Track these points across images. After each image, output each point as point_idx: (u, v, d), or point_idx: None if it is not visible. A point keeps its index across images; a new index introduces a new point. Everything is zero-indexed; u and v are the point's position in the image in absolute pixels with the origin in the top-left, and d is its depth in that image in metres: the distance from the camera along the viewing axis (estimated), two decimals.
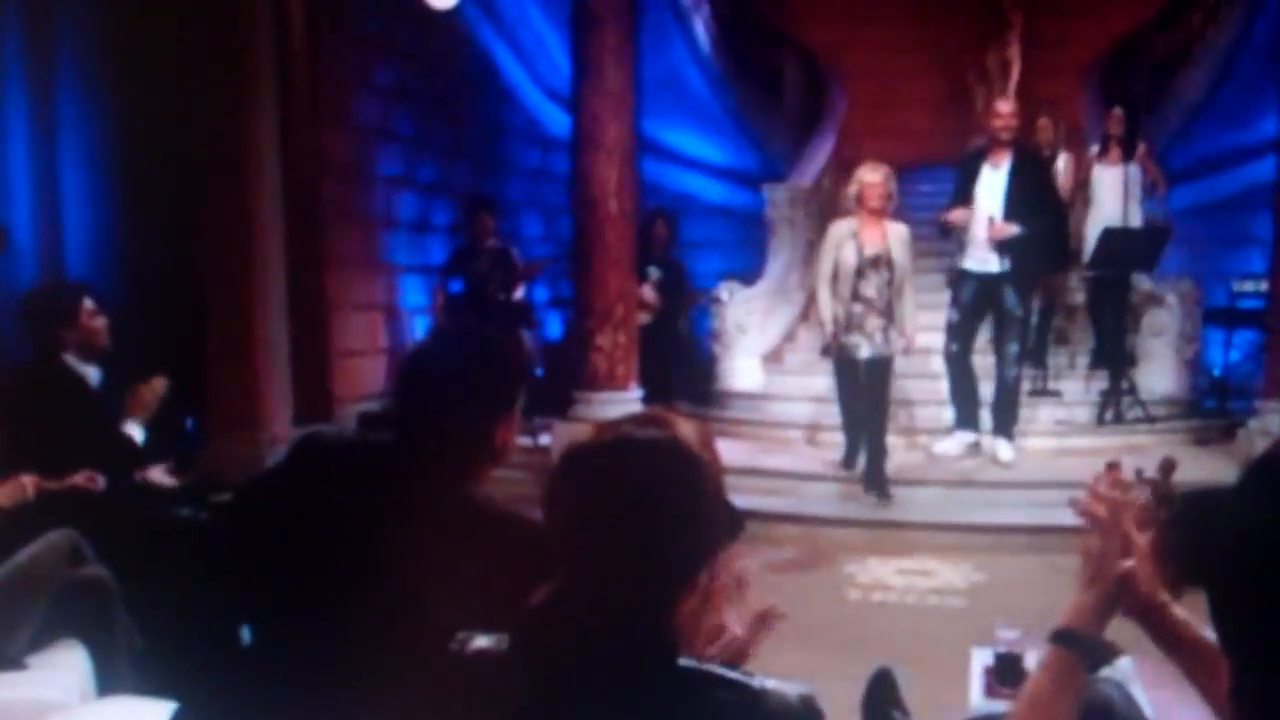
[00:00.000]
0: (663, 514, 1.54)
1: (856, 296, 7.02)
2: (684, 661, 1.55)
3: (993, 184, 7.34)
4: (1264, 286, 8.41)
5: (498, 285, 9.05)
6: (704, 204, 12.31)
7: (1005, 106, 7.62)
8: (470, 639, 1.75)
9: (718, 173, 12.40)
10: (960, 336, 7.59)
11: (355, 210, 9.14)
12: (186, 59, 7.52)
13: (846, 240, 7.06)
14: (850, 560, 6.35)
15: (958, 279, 7.64)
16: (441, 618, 1.80)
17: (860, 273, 7.01)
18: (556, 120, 11.92)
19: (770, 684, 1.59)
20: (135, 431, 4.76)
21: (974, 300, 7.55)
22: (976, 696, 3.04)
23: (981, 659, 3.23)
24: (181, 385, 7.42)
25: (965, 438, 7.76)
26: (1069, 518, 5.55)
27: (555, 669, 1.54)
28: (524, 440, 8.18)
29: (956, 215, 7.42)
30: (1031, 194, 7.28)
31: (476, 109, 11.11)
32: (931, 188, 12.23)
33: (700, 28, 11.41)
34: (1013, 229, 7.17)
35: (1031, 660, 3.09)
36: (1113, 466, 5.84)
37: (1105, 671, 2.23)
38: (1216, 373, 9.53)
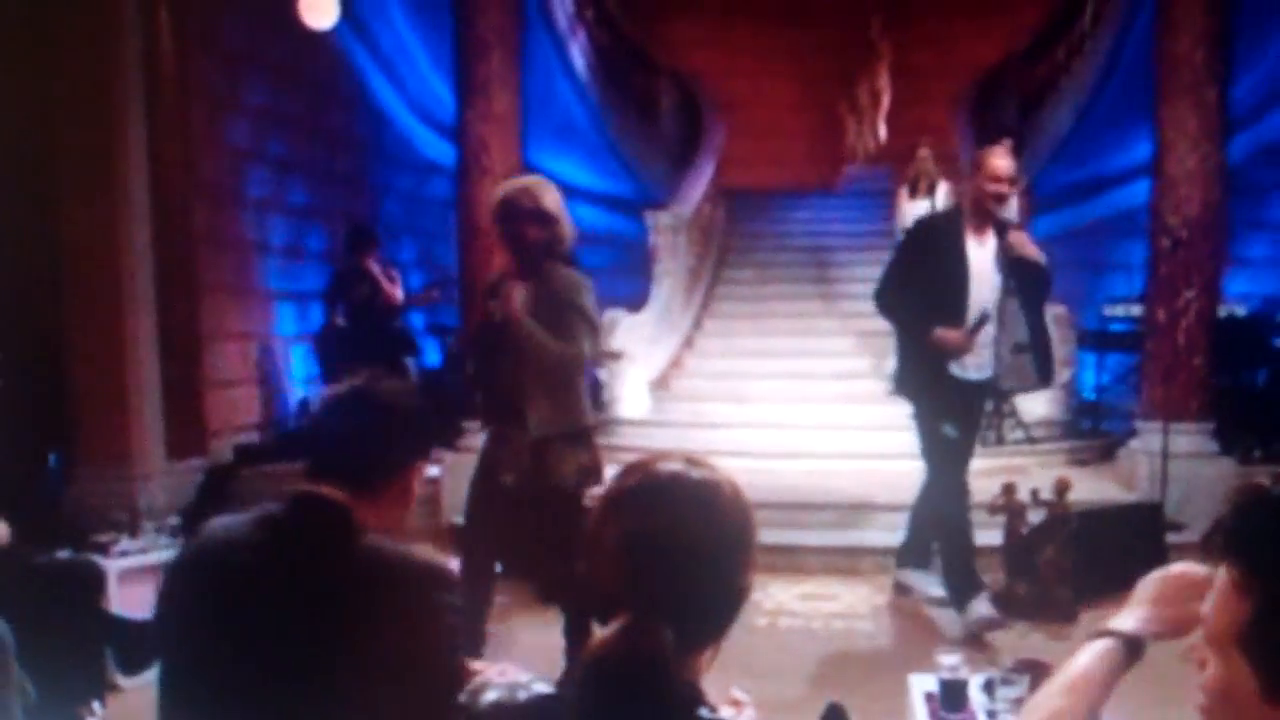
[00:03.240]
0: (715, 557, 1.52)
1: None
2: (704, 712, 1.50)
3: (982, 267, 5.42)
4: (1134, 310, 8.67)
5: (380, 310, 8.86)
6: (580, 230, 12.22)
7: (1004, 162, 5.52)
8: (482, 690, 1.68)
9: (594, 198, 12.36)
10: (964, 462, 5.59)
11: (226, 234, 8.86)
12: (49, 73, 7.22)
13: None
14: (758, 586, 6.31)
15: (945, 388, 5.41)
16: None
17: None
18: (430, 144, 11.77)
19: None
20: None
21: (971, 412, 5.67)
22: None
23: (921, 685, 3.22)
24: (43, 419, 7.12)
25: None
26: None
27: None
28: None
29: (955, 337, 5.26)
30: (1031, 283, 5.54)
31: (350, 131, 10.89)
32: (808, 214, 12.48)
33: (577, 54, 11.39)
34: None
35: (974, 685, 3.09)
36: (1009, 488, 5.90)
37: None
38: (1088, 395, 9.81)
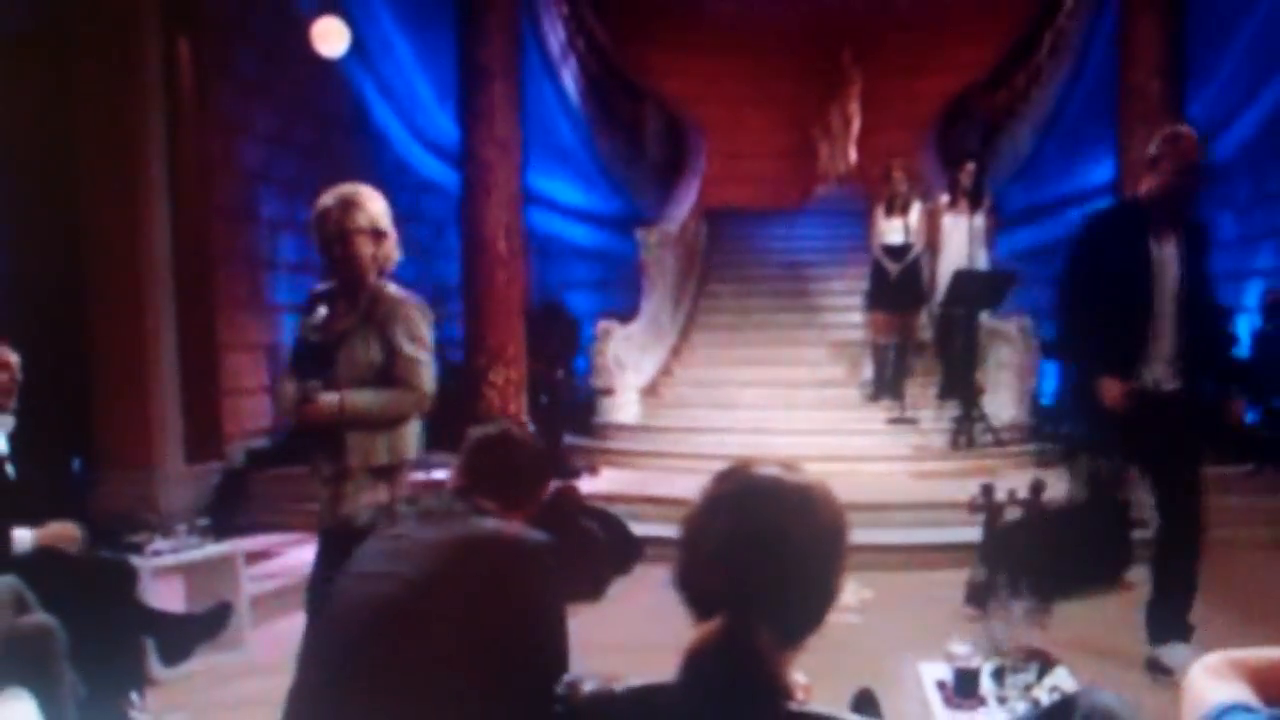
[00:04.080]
0: (811, 558, 1.51)
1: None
2: (792, 706, 1.52)
3: (1165, 269, 4.51)
4: None
5: None
6: (572, 246, 12.34)
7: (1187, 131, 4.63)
8: (580, 682, 1.70)
9: (585, 217, 12.47)
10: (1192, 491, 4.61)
11: (240, 251, 8.91)
12: (76, 101, 7.27)
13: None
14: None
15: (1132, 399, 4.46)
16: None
17: None
18: (426, 164, 11.84)
19: None
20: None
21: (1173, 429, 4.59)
22: (940, 711, 3.08)
23: (932, 674, 3.29)
24: (66, 425, 7.13)
25: None
26: (938, 536, 5.65)
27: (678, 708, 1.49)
28: (418, 475, 8.03)
29: (1115, 393, 4.44)
30: (1202, 286, 4.67)
31: (351, 153, 10.90)
32: (785, 231, 12.62)
33: (569, 81, 11.48)
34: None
35: (986, 673, 3.17)
36: (987, 489, 5.98)
37: None
38: (1045, 401, 9.94)
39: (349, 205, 3.57)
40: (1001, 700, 3.03)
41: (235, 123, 8.84)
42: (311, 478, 3.68)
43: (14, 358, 4.59)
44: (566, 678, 1.80)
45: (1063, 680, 3.24)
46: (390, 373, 3.52)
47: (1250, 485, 7.80)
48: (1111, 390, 4.43)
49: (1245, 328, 9.54)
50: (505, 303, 8.08)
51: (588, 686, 1.70)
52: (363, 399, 3.47)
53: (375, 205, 3.61)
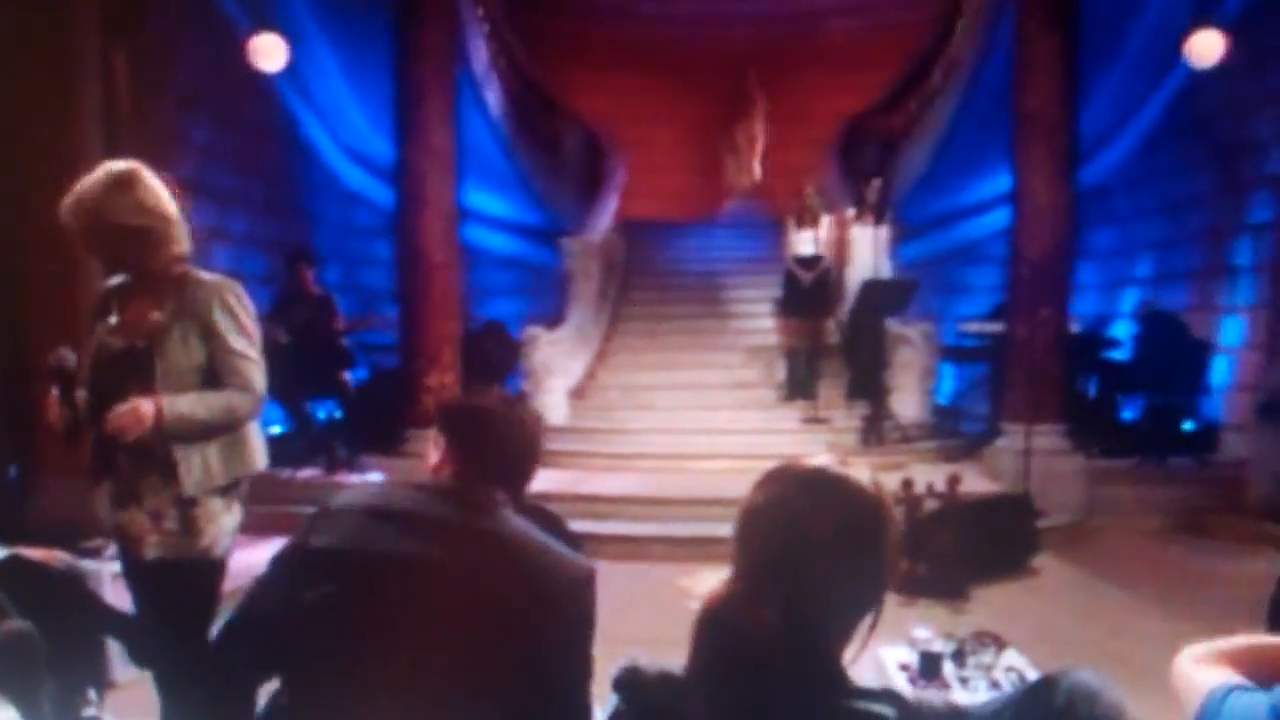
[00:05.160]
0: (863, 550, 1.49)
1: None
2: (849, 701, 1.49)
3: None
4: (986, 328, 9.01)
5: (322, 330, 8.71)
6: (494, 255, 12.22)
7: None
8: (639, 665, 1.67)
9: (506, 227, 12.35)
10: None
11: None
12: (13, 115, 6.96)
13: None
14: (681, 574, 6.35)
15: None
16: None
17: None
18: (354, 177, 11.63)
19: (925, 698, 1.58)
20: None
21: None
22: (908, 692, 3.09)
23: (894, 657, 3.31)
24: (5, 433, 6.82)
25: None
26: None
27: (732, 697, 1.47)
28: (351, 478, 7.88)
29: None
30: None
31: (283, 166, 10.67)
32: (697, 242, 12.68)
33: (492, 97, 11.36)
34: None
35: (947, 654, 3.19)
36: (907, 483, 6.08)
37: None
38: (943, 401, 10.14)
39: (119, 191, 3.01)
40: (963, 681, 3.06)
41: (171, 134, 8.58)
42: (117, 509, 2.94)
43: None
44: (624, 662, 1.75)
45: (1015, 660, 3.28)
46: (217, 373, 2.91)
47: (1135, 476, 8.04)
48: None
49: (1124, 333, 9.84)
50: (441, 309, 7.96)
51: (649, 668, 1.67)
52: (185, 404, 2.83)
53: (151, 188, 3.05)
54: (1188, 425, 8.65)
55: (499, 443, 2.11)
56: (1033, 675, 3.01)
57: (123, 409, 2.76)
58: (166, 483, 2.87)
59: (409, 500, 2.01)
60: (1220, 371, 8.84)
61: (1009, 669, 3.13)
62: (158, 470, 2.87)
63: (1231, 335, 8.79)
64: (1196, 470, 8.12)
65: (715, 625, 1.49)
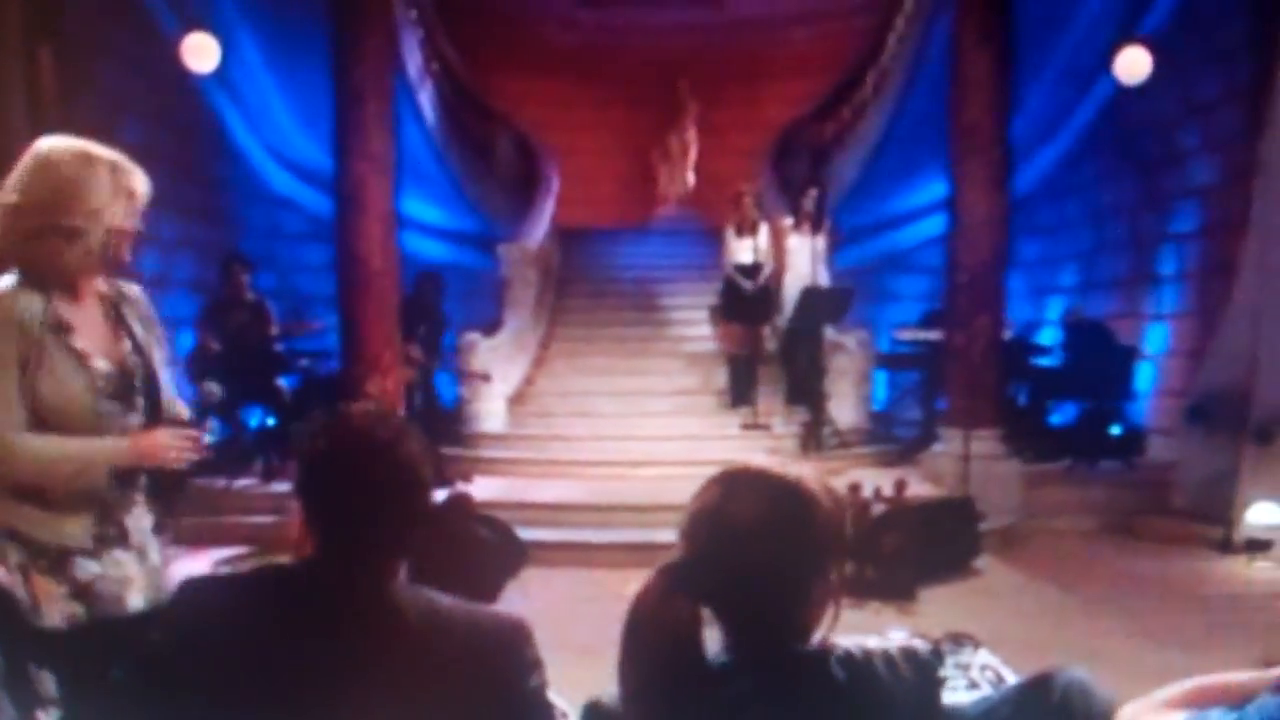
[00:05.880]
0: (792, 533, 1.58)
1: None
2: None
3: None
4: (925, 335, 9.13)
5: (256, 336, 8.53)
6: (426, 262, 12.09)
7: None
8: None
9: (438, 233, 12.22)
10: None
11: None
12: None
13: None
14: (629, 581, 6.33)
15: None
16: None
17: None
18: (281, 181, 11.43)
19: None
20: None
21: None
22: None
23: None
24: None
25: None
26: None
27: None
28: (283, 487, 7.71)
29: None
30: None
31: (213, 170, 10.44)
32: (631, 249, 12.68)
33: (426, 102, 11.23)
34: None
35: None
36: (854, 487, 6.12)
37: None
38: (876, 407, 10.24)
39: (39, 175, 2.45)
40: (942, 680, 3.06)
41: (98, 135, 8.32)
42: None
43: None
44: (587, 700, 1.75)
45: (988, 659, 3.30)
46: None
47: (1067, 479, 8.22)
48: None
49: (1051, 340, 10.06)
50: (380, 314, 7.82)
51: (611, 702, 1.68)
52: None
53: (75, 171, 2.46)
54: (1115, 430, 8.87)
55: (369, 500, 1.63)
56: (1007, 673, 3.04)
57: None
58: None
59: (271, 601, 1.64)
60: (1146, 377, 9.08)
61: (984, 668, 3.14)
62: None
63: (1156, 342, 9.05)
64: (1125, 473, 8.32)
65: (634, 619, 1.58)
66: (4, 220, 2.41)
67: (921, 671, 1.65)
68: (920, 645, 3.14)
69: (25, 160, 2.50)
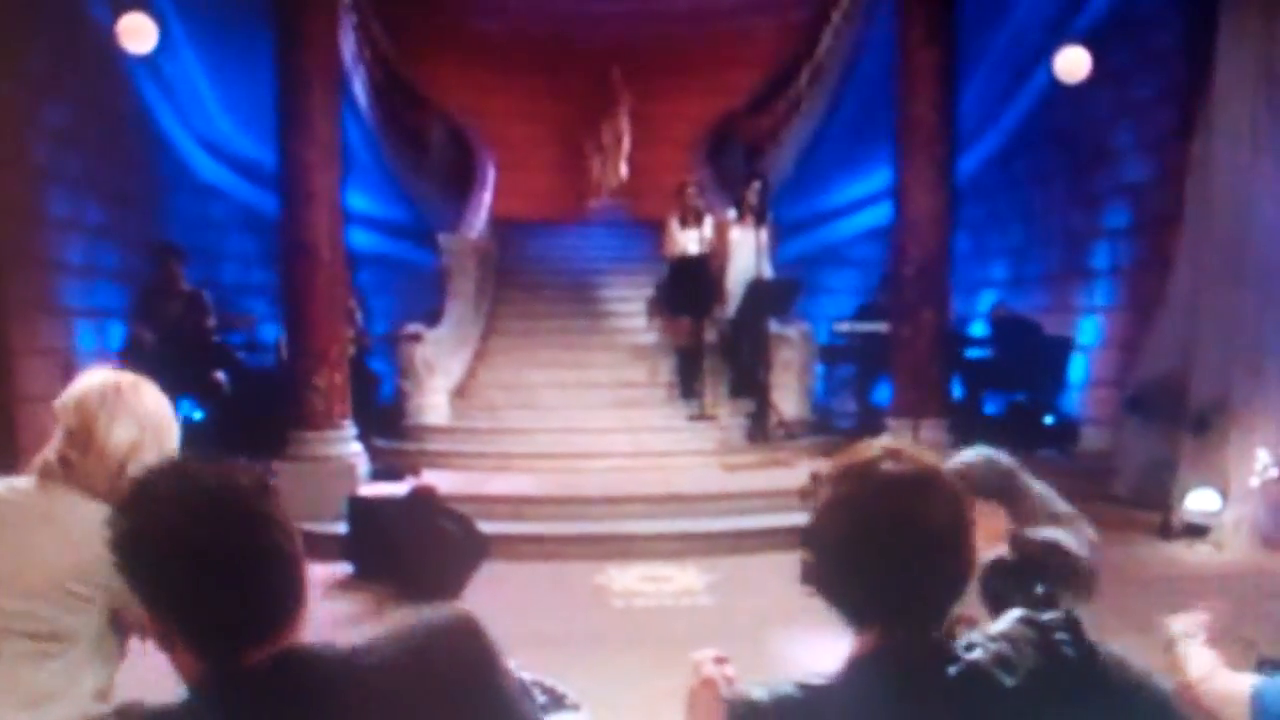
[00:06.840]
0: (943, 547, 1.54)
1: None
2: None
3: None
4: (866, 328, 9.25)
5: (192, 327, 8.28)
6: (359, 253, 11.87)
7: None
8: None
9: (372, 224, 11.99)
10: None
11: (30, 253, 8.05)
12: None
13: None
14: (595, 572, 6.32)
15: None
16: None
17: None
18: (208, 168, 11.12)
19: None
20: None
21: None
22: None
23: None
24: None
25: None
26: (759, 521, 5.75)
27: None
28: None
29: None
30: None
31: (140, 156, 10.10)
32: (567, 241, 12.62)
33: (359, 89, 11.02)
34: None
35: None
36: (816, 477, 6.17)
37: None
38: (820, 399, 10.35)
39: None
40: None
41: (23, 117, 8.00)
42: None
43: None
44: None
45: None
46: None
47: None
48: None
49: (981, 332, 10.28)
50: (328, 306, 7.65)
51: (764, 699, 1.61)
52: None
53: None
54: (1049, 420, 9.10)
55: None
56: None
57: None
58: None
59: None
60: (1079, 369, 9.33)
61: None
62: None
63: (1088, 334, 9.29)
64: (1063, 462, 8.53)
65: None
66: None
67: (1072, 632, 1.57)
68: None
69: None
